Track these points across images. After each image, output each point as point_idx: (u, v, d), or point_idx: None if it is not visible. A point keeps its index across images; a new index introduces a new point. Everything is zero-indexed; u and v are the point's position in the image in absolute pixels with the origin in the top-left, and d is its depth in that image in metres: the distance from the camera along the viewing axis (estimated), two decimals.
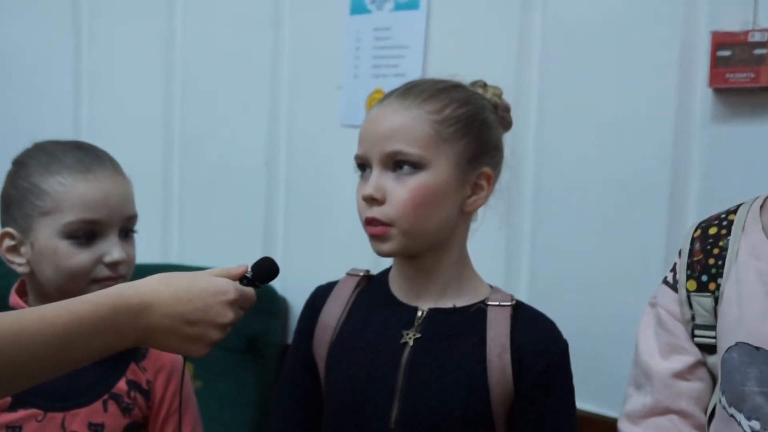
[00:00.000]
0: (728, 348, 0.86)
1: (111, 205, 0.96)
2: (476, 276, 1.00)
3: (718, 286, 0.89)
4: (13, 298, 0.99)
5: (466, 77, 1.00)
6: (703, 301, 0.91)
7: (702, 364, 0.91)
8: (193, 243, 1.83)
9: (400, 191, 0.91)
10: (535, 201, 1.39)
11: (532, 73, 1.39)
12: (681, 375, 0.91)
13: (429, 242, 0.94)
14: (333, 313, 1.00)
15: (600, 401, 1.29)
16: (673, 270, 0.95)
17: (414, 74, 1.45)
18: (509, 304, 0.95)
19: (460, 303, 0.96)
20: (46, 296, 0.94)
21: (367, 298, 1.01)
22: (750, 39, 1.18)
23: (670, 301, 0.94)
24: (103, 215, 0.96)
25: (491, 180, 0.96)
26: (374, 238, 0.93)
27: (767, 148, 1.19)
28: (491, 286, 1.00)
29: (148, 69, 1.86)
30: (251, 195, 1.74)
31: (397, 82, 0.99)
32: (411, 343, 0.94)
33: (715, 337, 0.89)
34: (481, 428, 0.92)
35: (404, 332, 0.95)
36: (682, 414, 0.90)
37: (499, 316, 0.94)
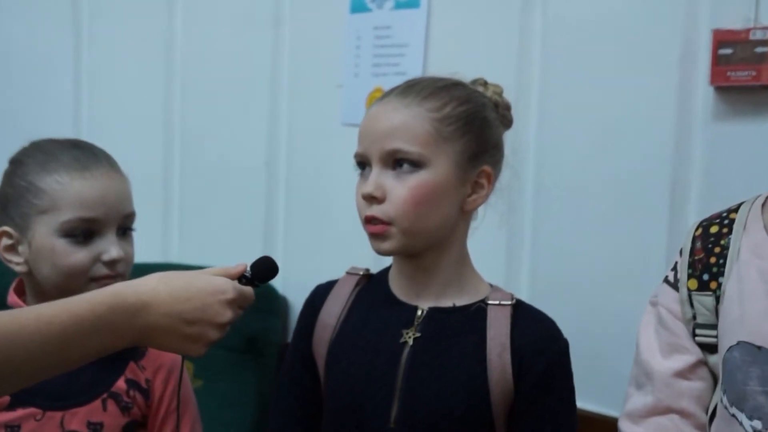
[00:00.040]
0: (730, 347, 0.86)
1: (108, 203, 0.96)
2: (476, 275, 0.99)
3: (719, 285, 0.89)
4: (12, 297, 0.99)
5: (466, 76, 0.99)
6: (705, 300, 0.90)
7: (703, 363, 0.91)
8: (194, 242, 1.82)
9: (399, 190, 0.91)
10: (536, 200, 1.39)
11: (533, 71, 1.39)
12: (682, 374, 0.90)
13: (429, 241, 0.94)
14: (333, 312, 1.00)
15: (600, 400, 1.28)
16: (674, 269, 0.95)
17: (414, 73, 1.45)
18: (509, 303, 0.95)
19: (460, 302, 0.96)
20: (44, 295, 0.94)
21: (366, 297, 1.00)
22: (751, 37, 1.17)
23: (671, 300, 0.93)
24: (101, 213, 0.95)
25: (491, 178, 0.95)
26: (374, 236, 0.93)
27: None
28: (491, 285, 0.99)
29: (148, 69, 1.86)
30: (251, 194, 1.73)
31: (397, 81, 0.99)
32: (411, 342, 0.94)
33: (716, 337, 0.89)
34: (481, 428, 0.92)
35: (404, 331, 0.95)
36: (683, 413, 0.90)
37: (499, 315, 0.94)
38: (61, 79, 1.97)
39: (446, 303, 0.96)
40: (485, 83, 1.00)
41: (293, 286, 1.64)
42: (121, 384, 0.99)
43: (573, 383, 0.96)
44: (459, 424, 0.91)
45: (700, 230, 0.94)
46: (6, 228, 0.96)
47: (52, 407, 0.95)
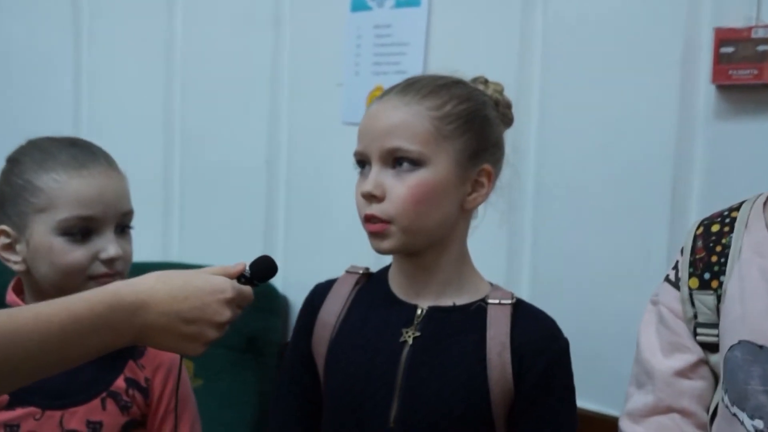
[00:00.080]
0: (731, 346, 0.85)
1: (106, 201, 0.96)
2: (476, 274, 0.99)
3: (720, 284, 0.89)
4: (10, 296, 0.99)
5: (467, 74, 0.99)
6: (706, 299, 0.90)
7: (704, 362, 0.90)
8: (194, 242, 1.82)
9: (399, 188, 0.90)
10: (537, 198, 1.39)
11: (534, 69, 1.38)
12: (683, 373, 0.90)
13: (429, 240, 0.93)
14: (332, 310, 0.99)
15: (601, 400, 1.28)
16: (675, 268, 0.94)
17: (415, 71, 1.44)
18: (509, 302, 0.95)
19: (460, 301, 0.95)
20: (42, 294, 0.93)
21: (366, 295, 1.00)
22: (753, 35, 1.17)
23: (672, 299, 0.93)
24: (98, 211, 0.95)
25: (492, 177, 0.95)
26: (373, 235, 0.92)
27: None
28: (491, 284, 0.99)
29: (149, 68, 1.86)
30: (252, 193, 1.73)
31: (398, 80, 0.98)
32: (410, 341, 0.94)
33: (717, 336, 0.89)
34: (481, 427, 0.92)
35: (403, 330, 0.95)
36: (684, 413, 0.90)
37: (499, 314, 0.93)
38: (61, 79, 1.97)
39: (446, 302, 0.95)
40: (486, 81, 0.99)
41: (293, 286, 1.64)
42: (120, 383, 0.98)
43: (573, 383, 0.96)
44: (459, 424, 0.91)
45: (701, 229, 0.94)
46: (3, 227, 0.96)
47: (51, 406, 0.95)
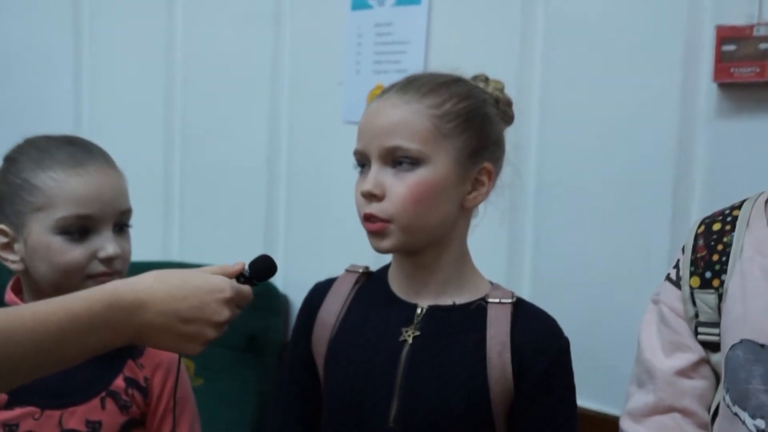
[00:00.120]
0: (732, 345, 0.85)
1: (104, 199, 0.95)
2: (476, 273, 0.99)
3: (722, 283, 0.88)
4: (9, 295, 0.99)
5: (468, 72, 0.99)
6: (707, 298, 0.89)
7: (705, 361, 0.90)
8: (194, 241, 1.82)
9: (399, 187, 0.90)
10: (538, 197, 1.38)
11: (535, 68, 1.38)
12: (684, 373, 0.90)
13: (428, 238, 0.93)
14: (332, 309, 0.99)
15: (602, 399, 1.28)
16: (677, 267, 0.94)
17: (416, 70, 1.42)
18: (510, 301, 0.94)
19: (460, 300, 0.95)
20: (41, 293, 0.93)
21: (366, 294, 1.00)
22: (755, 33, 1.16)
23: (674, 298, 0.93)
24: (96, 210, 0.95)
25: (492, 175, 0.95)
26: (372, 234, 0.92)
27: None
28: (492, 283, 0.98)
29: (149, 67, 1.85)
30: (252, 192, 1.73)
31: (398, 78, 0.98)
32: (410, 340, 0.93)
33: (718, 335, 0.88)
34: (481, 427, 0.91)
35: (403, 330, 0.94)
36: (685, 412, 0.89)
37: (499, 313, 0.93)
38: (61, 78, 1.97)
39: (446, 301, 0.95)
40: (486, 79, 0.99)
41: (294, 285, 1.64)
42: (119, 382, 0.98)
43: (573, 382, 0.95)
44: (459, 423, 0.90)
45: (702, 227, 0.93)
46: (1, 226, 0.96)
47: (50, 406, 0.95)
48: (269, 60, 1.70)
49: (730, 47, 1.17)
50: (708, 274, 0.90)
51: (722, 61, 1.18)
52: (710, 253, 0.90)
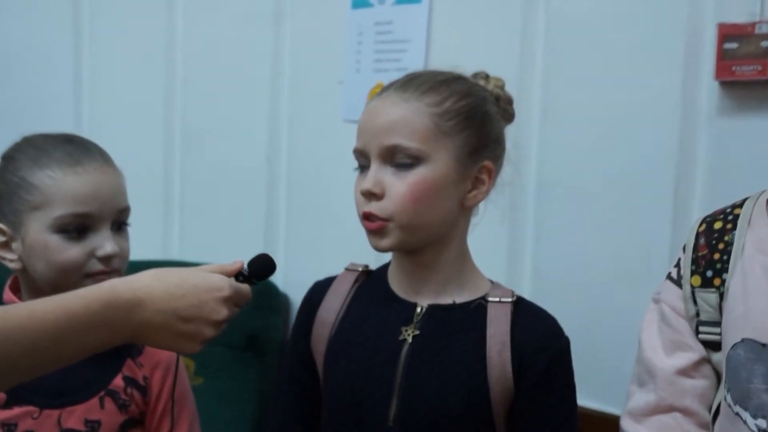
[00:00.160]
0: (734, 344, 0.85)
1: (102, 198, 0.95)
2: (477, 271, 0.98)
3: (723, 282, 0.88)
4: (7, 294, 0.98)
5: (468, 71, 0.98)
6: (708, 296, 0.89)
7: (706, 361, 0.89)
8: (194, 240, 1.82)
9: (399, 186, 0.89)
10: (538, 196, 1.38)
11: (536, 66, 1.38)
12: (685, 372, 0.89)
13: (428, 237, 0.92)
14: (331, 308, 0.99)
15: (602, 398, 1.27)
16: (678, 265, 0.94)
17: (416, 68, 1.42)
18: (510, 300, 0.94)
19: (460, 299, 0.95)
20: (39, 292, 0.92)
21: (366, 293, 0.99)
22: (757, 31, 1.16)
23: (675, 297, 0.92)
24: (94, 208, 0.94)
25: (492, 174, 0.94)
26: (372, 233, 0.92)
27: None
28: (492, 282, 0.98)
29: (149, 66, 1.85)
30: (252, 191, 1.73)
31: (399, 77, 0.98)
32: (410, 339, 0.93)
33: (719, 334, 0.88)
34: (481, 426, 0.91)
35: (403, 329, 0.94)
36: (686, 412, 0.89)
37: (499, 312, 0.93)
38: (61, 78, 1.97)
39: (446, 300, 0.95)
40: (487, 76, 0.98)
41: (294, 284, 1.64)
42: (118, 381, 0.98)
43: (574, 381, 0.95)
44: (458, 423, 0.90)
45: (703, 226, 0.93)
46: None
47: (49, 405, 0.95)
48: (269, 59, 1.70)
49: (732, 45, 1.17)
50: (709, 273, 0.89)
51: (724, 59, 1.18)
52: (711, 252, 0.90)
